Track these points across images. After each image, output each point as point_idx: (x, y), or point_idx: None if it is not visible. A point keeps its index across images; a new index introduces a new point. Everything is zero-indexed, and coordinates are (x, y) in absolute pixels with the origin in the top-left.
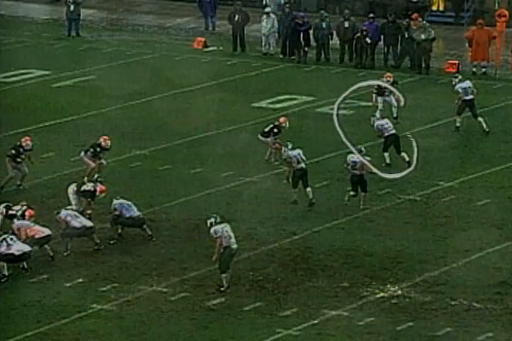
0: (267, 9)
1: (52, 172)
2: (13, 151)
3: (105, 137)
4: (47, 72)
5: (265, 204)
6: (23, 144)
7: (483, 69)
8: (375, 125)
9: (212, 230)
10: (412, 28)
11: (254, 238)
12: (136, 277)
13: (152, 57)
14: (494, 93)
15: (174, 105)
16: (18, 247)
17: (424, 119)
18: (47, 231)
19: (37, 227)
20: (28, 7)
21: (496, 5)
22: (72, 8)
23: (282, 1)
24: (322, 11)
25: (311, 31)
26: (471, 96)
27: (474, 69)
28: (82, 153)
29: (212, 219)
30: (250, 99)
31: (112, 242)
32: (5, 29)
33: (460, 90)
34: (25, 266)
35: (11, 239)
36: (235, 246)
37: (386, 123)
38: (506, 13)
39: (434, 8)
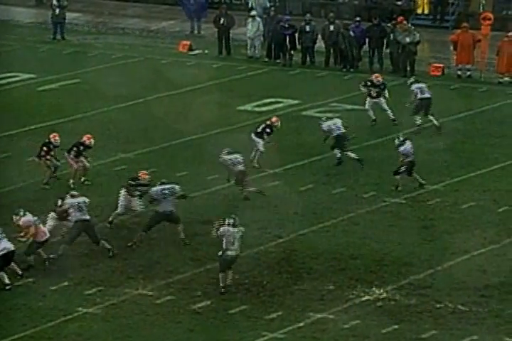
0: (253, 12)
1: (37, 175)
2: (45, 148)
3: (88, 135)
4: (32, 76)
5: (250, 207)
6: (52, 140)
7: (468, 73)
8: (322, 127)
9: (220, 229)
10: (397, 31)
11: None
12: (122, 280)
13: (137, 61)
14: (479, 96)
15: (159, 109)
16: (4, 245)
17: (409, 122)
18: (47, 234)
19: (43, 228)
20: (12, 10)
21: (481, 8)
22: (57, 11)
23: (268, 5)
24: (307, 15)
25: (296, 35)
26: (427, 95)
27: (459, 73)
28: (66, 154)
29: (230, 220)
30: (236, 103)
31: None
32: None
33: (416, 90)
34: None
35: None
36: (231, 252)
37: (333, 124)
38: (491, 16)
39: (419, 11)
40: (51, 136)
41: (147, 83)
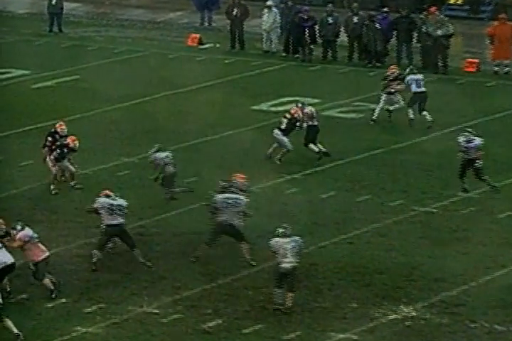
0: (269, 2)
1: (31, 181)
2: (50, 138)
3: (73, 137)
4: (26, 72)
5: (266, 216)
6: (58, 130)
7: (506, 69)
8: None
9: (270, 241)
10: (428, 23)
11: (254, 253)
12: (125, 297)
13: (142, 56)
14: None
15: (166, 108)
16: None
17: (441, 123)
18: (46, 251)
19: (41, 246)
20: (5, 0)
21: None
22: (53, 1)
23: None
24: (329, 5)
25: (316, 27)
26: (422, 89)
27: (496, 69)
28: (45, 152)
29: (280, 230)
30: (250, 102)
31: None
32: None
33: (411, 81)
34: (8, 289)
35: None
36: (285, 265)
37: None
38: None
39: (452, 1)
40: (57, 125)
41: (152, 80)
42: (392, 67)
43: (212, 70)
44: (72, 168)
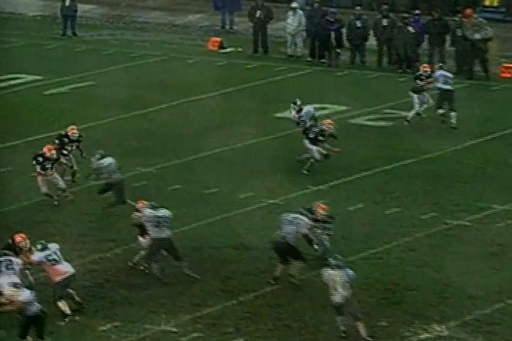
0: (294, 4)
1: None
2: (57, 141)
3: (49, 146)
4: (38, 77)
5: None
6: (69, 133)
7: None
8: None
9: (323, 274)
10: (464, 26)
11: (277, 269)
12: (142, 315)
13: (160, 60)
14: None
15: (185, 115)
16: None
17: (476, 132)
18: (70, 269)
19: (59, 267)
20: (16, 2)
21: None
22: (67, 3)
23: None
24: (357, 7)
25: (343, 30)
26: (449, 87)
27: None
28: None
29: (332, 262)
30: (273, 109)
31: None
32: None
33: (439, 77)
34: None
35: (7, 265)
36: (337, 299)
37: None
38: None
39: (487, 2)
40: (68, 128)
41: (171, 86)
42: (424, 65)
43: (233, 76)
44: (59, 182)
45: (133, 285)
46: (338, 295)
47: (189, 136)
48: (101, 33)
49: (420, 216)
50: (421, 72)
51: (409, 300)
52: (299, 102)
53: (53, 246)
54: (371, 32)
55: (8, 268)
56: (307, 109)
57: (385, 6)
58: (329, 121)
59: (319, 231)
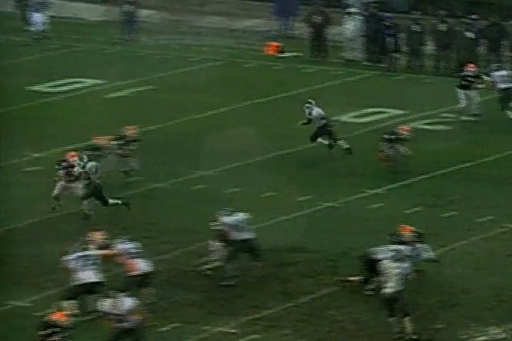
0: (351, 9)
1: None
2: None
3: (73, 153)
4: (99, 81)
5: (348, 233)
6: (127, 133)
7: None
8: (312, 113)
9: (382, 263)
10: None
11: (335, 272)
12: (201, 316)
13: (218, 65)
14: None
15: (243, 119)
16: (85, 275)
17: None
18: (147, 268)
19: (136, 262)
20: (77, 7)
21: None
22: (128, 8)
23: (368, 0)
24: (415, 12)
25: (400, 35)
26: (509, 85)
27: None
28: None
29: (391, 253)
30: (332, 112)
31: None
32: (53, 32)
33: (498, 78)
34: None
35: (86, 260)
36: (387, 290)
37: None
38: None
39: None
40: (125, 128)
41: (229, 90)
42: (470, 65)
43: (292, 80)
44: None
45: (192, 287)
46: (391, 288)
47: (247, 139)
48: (160, 38)
49: (476, 219)
50: (468, 72)
51: (466, 302)
52: (312, 102)
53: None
54: (428, 37)
55: (86, 264)
56: (317, 110)
57: (442, 11)
58: (406, 127)
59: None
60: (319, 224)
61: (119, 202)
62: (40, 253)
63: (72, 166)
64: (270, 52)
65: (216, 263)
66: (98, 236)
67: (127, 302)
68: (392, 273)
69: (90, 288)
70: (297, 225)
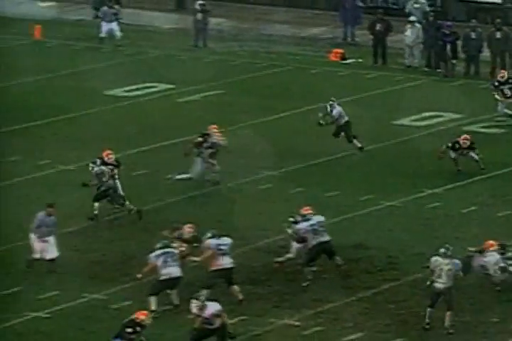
0: (412, 18)
1: (178, 193)
2: (200, 139)
3: (108, 152)
4: (171, 86)
5: (407, 231)
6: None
7: None
8: (333, 112)
9: (431, 259)
10: None
11: (395, 268)
12: (267, 309)
13: (285, 70)
14: None
15: (308, 122)
16: (169, 270)
17: None
18: (230, 264)
19: (222, 259)
20: (151, 15)
21: None
22: (199, 16)
23: (428, 9)
24: (473, 20)
25: (458, 42)
26: None
27: None
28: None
29: (442, 250)
30: (391, 116)
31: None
32: (128, 40)
33: None
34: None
35: (172, 256)
36: (439, 285)
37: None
38: None
39: None
40: (209, 128)
41: (294, 95)
42: (502, 71)
43: (354, 85)
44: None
45: (259, 281)
46: (441, 283)
47: (311, 141)
48: (230, 45)
49: None
50: (499, 78)
51: None
52: (335, 101)
53: (226, 240)
54: (485, 44)
55: (174, 260)
56: (338, 109)
57: (498, 20)
58: (466, 136)
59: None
60: (379, 223)
61: (134, 209)
62: (113, 249)
63: (108, 164)
64: (334, 59)
65: (287, 256)
66: (188, 229)
67: (212, 307)
68: (442, 269)
69: (173, 283)
70: (359, 223)
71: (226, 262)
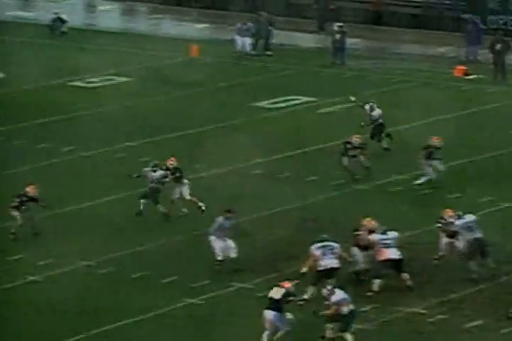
0: None
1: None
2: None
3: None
4: (313, 99)
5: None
6: (352, 140)
7: None
8: (373, 113)
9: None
10: None
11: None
12: (397, 298)
13: (413, 86)
14: None
15: (434, 131)
16: (327, 262)
17: None
18: (395, 256)
19: (387, 251)
20: (294, 35)
21: None
22: (337, 37)
23: None
24: None
25: None
26: None
27: None
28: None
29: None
30: (509, 126)
31: None
32: (276, 57)
33: None
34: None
35: (332, 249)
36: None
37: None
38: None
39: None
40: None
41: (422, 106)
42: None
43: (474, 99)
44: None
45: (388, 274)
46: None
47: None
48: (365, 62)
49: None
50: None
51: None
52: (375, 104)
53: (392, 234)
54: None
55: (333, 253)
56: (378, 111)
57: None
58: None
59: None
60: (496, 222)
61: (164, 211)
62: (258, 244)
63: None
64: (458, 75)
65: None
66: (368, 222)
67: (339, 295)
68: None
69: (330, 273)
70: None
71: (391, 254)
